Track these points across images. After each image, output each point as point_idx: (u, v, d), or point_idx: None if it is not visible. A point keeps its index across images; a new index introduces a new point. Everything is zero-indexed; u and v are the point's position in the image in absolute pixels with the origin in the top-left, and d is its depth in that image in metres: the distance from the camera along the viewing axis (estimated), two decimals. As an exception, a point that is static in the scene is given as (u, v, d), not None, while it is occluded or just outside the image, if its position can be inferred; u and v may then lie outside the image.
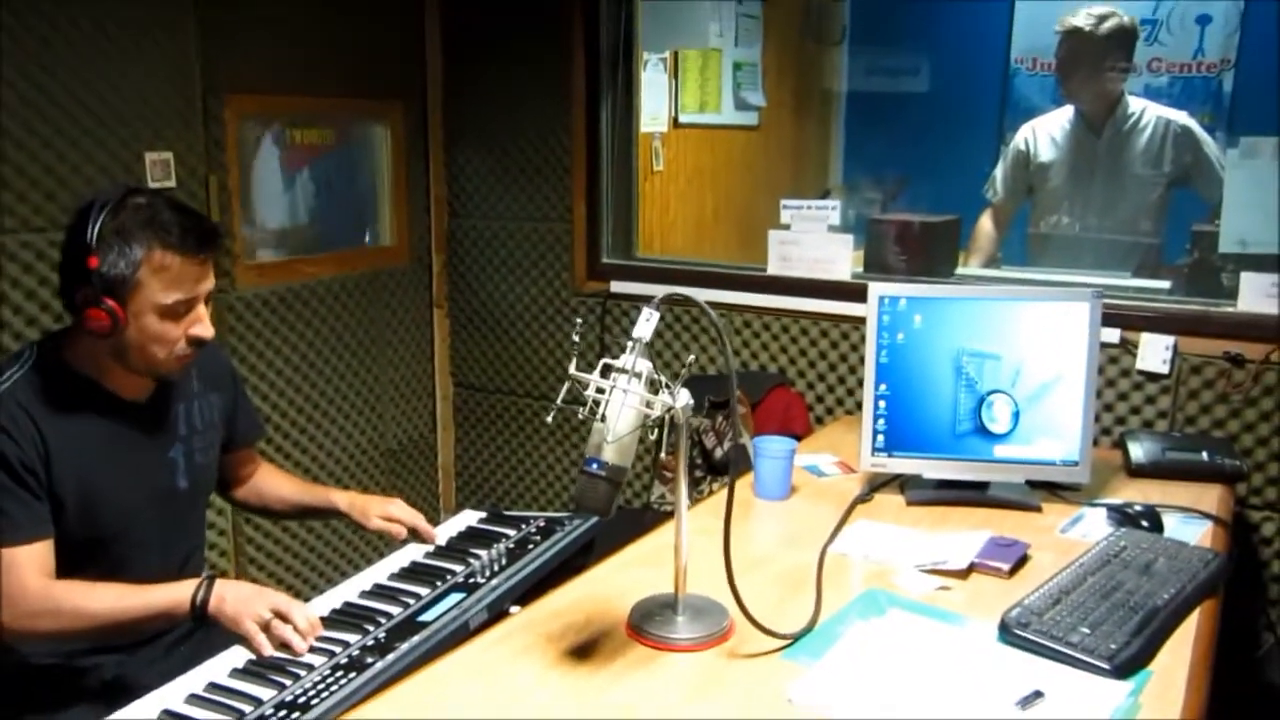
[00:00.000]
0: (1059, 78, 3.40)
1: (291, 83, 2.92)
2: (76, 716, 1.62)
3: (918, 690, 1.35)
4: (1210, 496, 2.06)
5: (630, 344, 1.38)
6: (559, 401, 1.38)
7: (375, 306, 3.26)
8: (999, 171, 3.39)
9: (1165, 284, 2.76)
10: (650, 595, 1.57)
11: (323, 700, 1.37)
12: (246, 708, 1.37)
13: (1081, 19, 3.18)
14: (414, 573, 1.80)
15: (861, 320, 2.10)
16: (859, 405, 2.66)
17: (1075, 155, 3.26)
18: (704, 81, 3.93)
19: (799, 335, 2.94)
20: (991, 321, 2.00)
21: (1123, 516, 1.90)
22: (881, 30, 4.65)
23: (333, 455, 3.16)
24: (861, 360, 2.46)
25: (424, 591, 1.71)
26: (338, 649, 1.51)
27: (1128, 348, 2.53)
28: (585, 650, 1.46)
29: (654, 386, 1.39)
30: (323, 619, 1.58)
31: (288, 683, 1.42)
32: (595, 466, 1.35)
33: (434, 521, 1.95)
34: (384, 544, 2.13)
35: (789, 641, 1.46)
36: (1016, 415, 2.01)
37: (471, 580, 1.74)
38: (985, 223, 3.38)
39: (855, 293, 2.60)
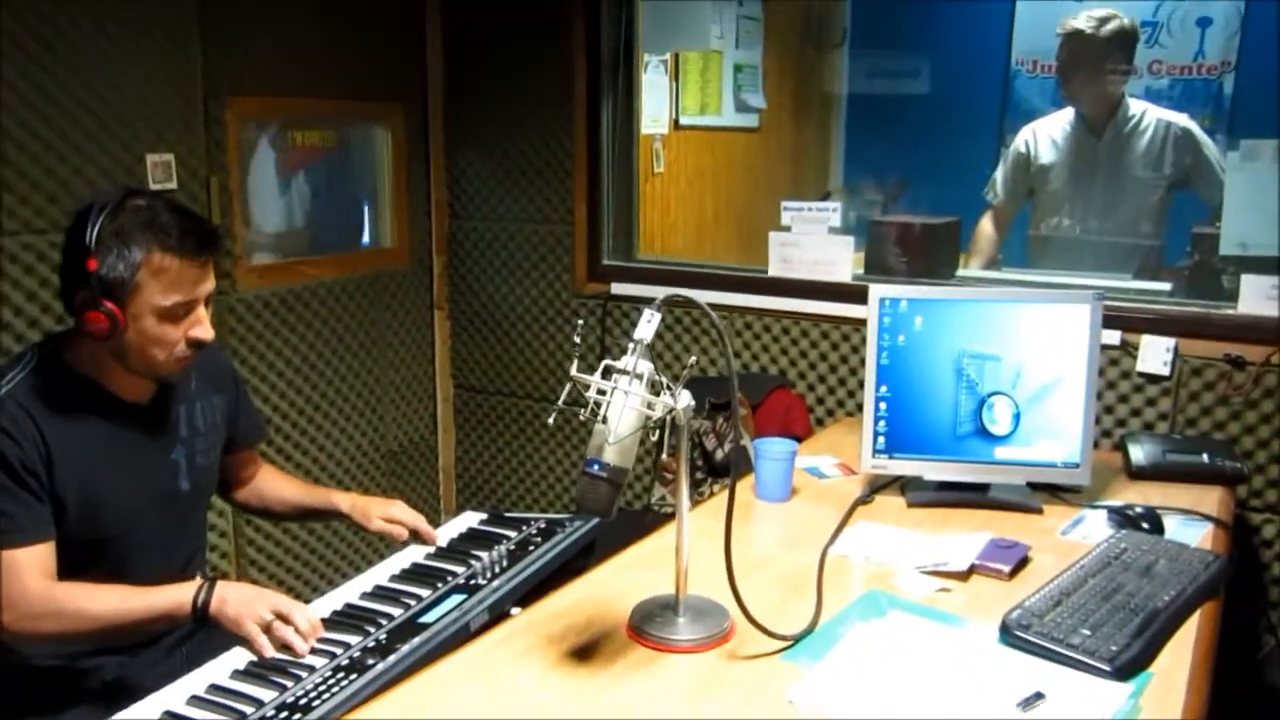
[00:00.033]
0: (1060, 80, 3.41)
1: (293, 85, 2.92)
2: (78, 718, 1.62)
3: (919, 692, 1.35)
4: (1211, 499, 2.06)
5: (632, 345, 1.38)
6: (560, 403, 1.38)
7: (376, 308, 3.26)
8: (999, 174, 3.39)
9: (1166, 286, 2.76)
10: (651, 596, 1.57)
11: (324, 701, 1.37)
12: (248, 709, 1.37)
13: (1083, 21, 3.18)
14: (415, 574, 1.80)
15: (862, 322, 2.10)
16: (859, 407, 2.66)
17: (1076, 157, 3.27)
18: (705, 84, 3.94)
19: (800, 337, 2.94)
20: (992, 323, 2.00)
21: (1123, 518, 1.90)
22: (882, 33, 4.66)
23: (333, 457, 3.16)
24: (862, 362, 2.46)
25: (425, 593, 1.71)
26: (339, 650, 1.51)
27: (1128, 350, 2.53)
28: (586, 651, 1.46)
29: (655, 388, 1.39)
30: (324, 620, 1.58)
31: (289, 684, 1.43)
32: (596, 468, 1.35)
33: (434, 523, 1.95)
34: (385, 546, 2.13)
35: (790, 643, 1.46)
36: (1017, 417, 2.01)
37: (472, 582, 1.74)
38: (986, 225, 3.38)
39: (856, 294, 2.60)
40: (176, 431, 1.74)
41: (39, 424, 1.55)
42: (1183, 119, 3.15)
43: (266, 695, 1.40)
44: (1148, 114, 3.15)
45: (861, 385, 2.28)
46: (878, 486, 2.11)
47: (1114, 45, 3.15)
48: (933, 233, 2.99)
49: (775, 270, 2.98)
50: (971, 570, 1.70)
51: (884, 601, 1.60)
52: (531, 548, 1.88)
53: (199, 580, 1.59)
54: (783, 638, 1.46)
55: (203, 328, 1.61)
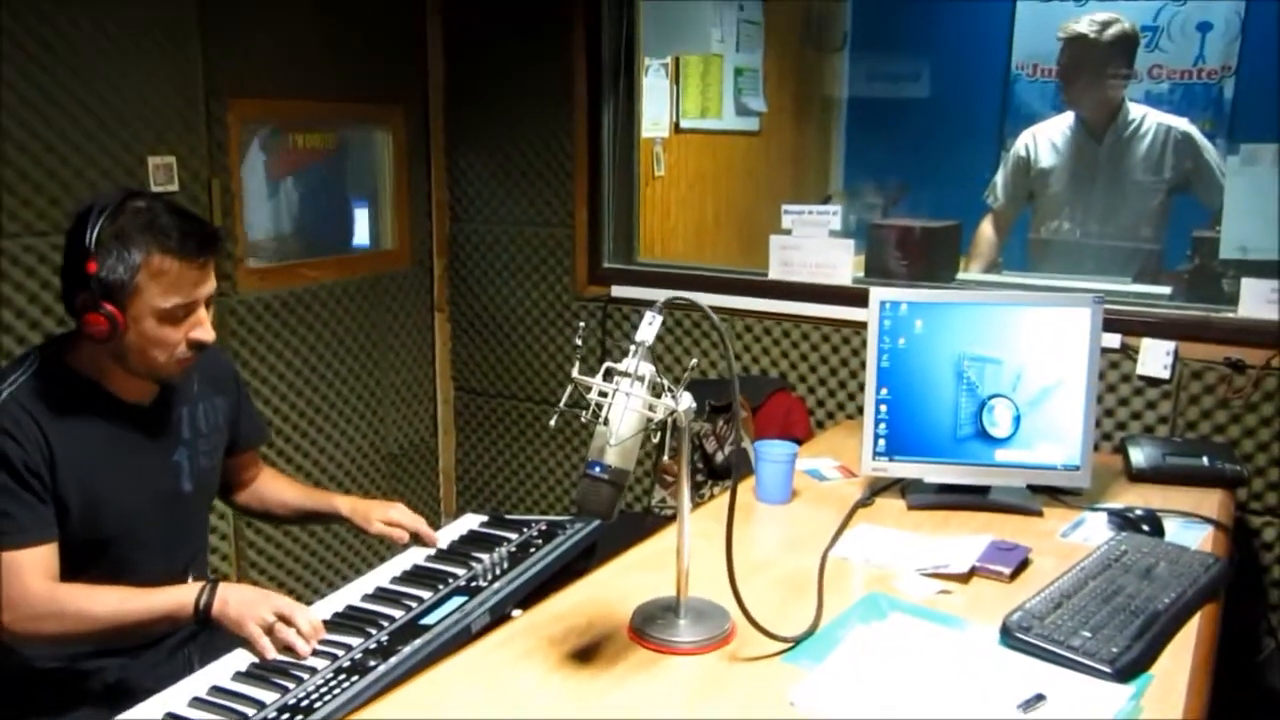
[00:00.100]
0: (1061, 84, 3.41)
1: (294, 86, 2.93)
2: None
3: (919, 693, 1.35)
4: (1211, 501, 2.06)
5: (633, 347, 1.38)
6: (562, 404, 1.38)
7: (376, 311, 3.26)
8: (999, 177, 3.39)
9: (1166, 290, 2.76)
10: (652, 599, 1.57)
11: (325, 703, 1.37)
12: (249, 710, 1.37)
13: (1085, 25, 3.19)
14: (416, 576, 1.80)
15: (862, 325, 2.11)
16: (860, 410, 2.67)
17: (1076, 161, 3.27)
18: (705, 87, 3.95)
19: (800, 340, 2.94)
20: (992, 326, 2.01)
21: (1124, 521, 1.90)
22: (882, 36, 4.67)
23: (334, 459, 3.16)
24: (862, 365, 2.47)
25: (426, 595, 1.71)
26: (340, 652, 1.51)
27: (1129, 353, 2.53)
28: (587, 653, 1.46)
29: (656, 390, 1.39)
30: (325, 622, 1.58)
31: (290, 686, 1.43)
32: (598, 469, 1.35)
33: (435, 526, 1.95)
34: (386, 548, 2.13)
35: (791, 645, 1.47)
36: (1017, 420, 2.01)
37: (473, 584, 1.75)
38: (986, 228, 3.38)
39: (856, 297, 2.60)
40: (179, 433, 1.74)
41: (42, 426, 1.55)
42: (1183, 123, 3.15)
43: (268, 697, 1.40)
44: (1148, 118, 3.15)
45: (861, 388, 2.28)
46: (878, 489, 2.12)
47: (1115, 50, 3.16)
48: (933, 236, 2.99)
49: (776, 273, 2.98)
50: (972, 572, 1.70)
51: (885, 604, 1.60)
52: (532, 550, 1.89)
53: (201, 582, 1.59)
54: (784, 640, 1.46)
55: (203, 329, 1.61)
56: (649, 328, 1.40)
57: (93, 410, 1.62)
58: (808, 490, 2.14)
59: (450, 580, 1.76)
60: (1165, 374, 2.49)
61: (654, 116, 3.60)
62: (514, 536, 1.96)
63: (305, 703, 1.37)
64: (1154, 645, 1.45)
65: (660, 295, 1.44)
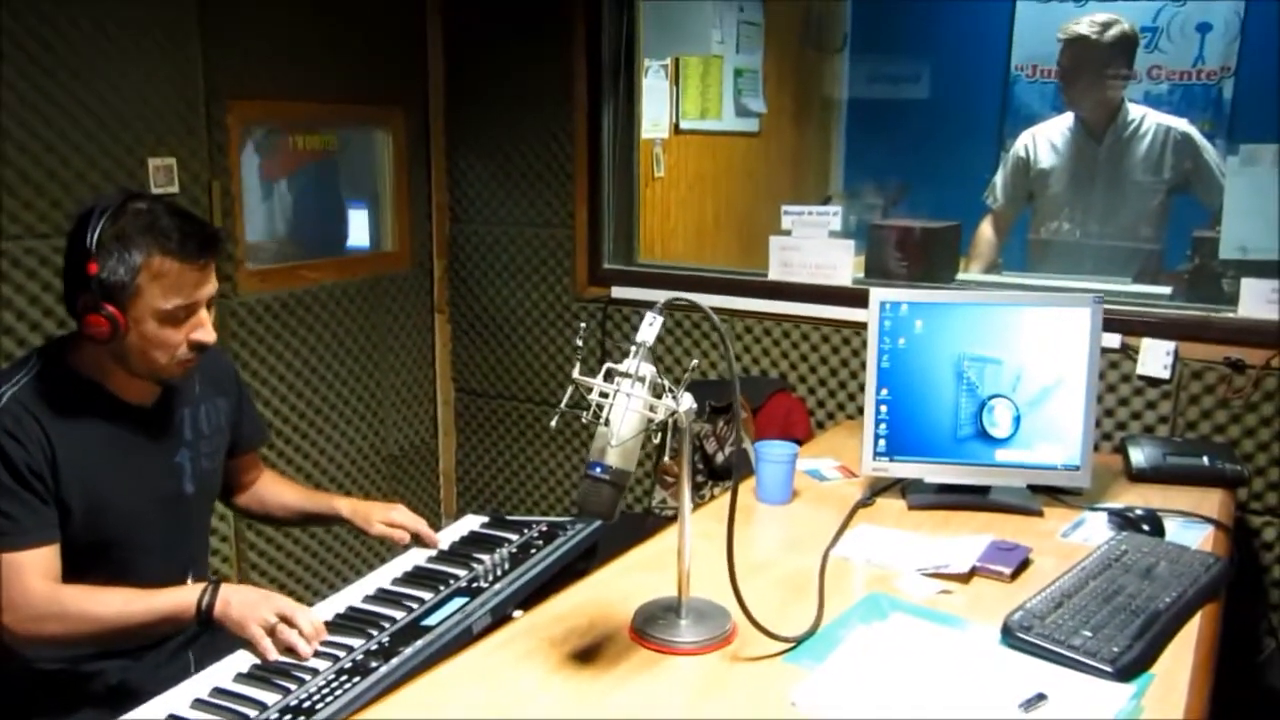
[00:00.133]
0: (1061, 84, 3.42)
1: (294, 88, 2.93)
2: (81, 721, 1.62)
3: (920, 693, 1.35)
4: (1211, 501, 2.06)
5: (634, 348, 1.38)
6: (563, 405, 1.39)
7: (377, 312, 3.26)
8: (999, 178, 3.40)
9: (1166, 290, 2.77)
10: (653, 599, 1.57)
11: (327, 704, 1.37)
12: (251, 712, 1.37)
13: (1085, 26, 3.19)
14: (417, 577, 1.80)
15: (862, 325, 2.11)
16: (860, 410, 2.67)
17: (1075, 162, 3.27)
18: (705, 88, 3.95)
19: (800, 340, 2.94)
20: (992, 327, 2.01)
21: (1124, 521, 1.90)
22: (882, 37, 4.67)
23: (334, 461, 3.16)
24: (862, 365, 2.47)
25: (427, 596, 1.71)
26: (342, 653, 1.51)
27: (1129, 353, 2.53)
28: (588, 654, 1.46)
29: (657, 391, 1.39)
30: (327, 623, 1.58)
31: (292, 687, 1.43)
32: (599, 470, 1.35)
33: (435, 527, 1.95)
34: (387, 549, 2.13)
35: (792, 645, 1.47)
36: (1018, 420, 2.01)
37: (474, 585, 1.75)
38: (986, 229, 3.39)
39: (856, 298, 2.60)
40: (181, 434, 1.75)
41: (44, 427, 1.55)
42: (1182, 124, 3.16)
43: (270, 698, 1.40)
44: (1147, 119, 3.16)
45: (862, 388, 2.29)
46: (878, 489, 2.12)
47: (1115, 50, 3.16)
48: (933, 237, 3.00)
49: (776, 274, 2.98)
50: (972, 572, 1.70)
51: (885, 604, 1.60)
52: (533, 551, 1.89)
53: (203, 583, 1.59)
54: (785, 640, 1.46)
55: (204, 330, 1.62)
56: (649, 329, 1.40)
57: (94, 411, 1.62)
58: (808, 490, 2.14)
59: (451, 581, 1.76)
60: (1165, 374, 2.49)
61: (654, 117, 3.60)
62: (515, 537, 1.96)
63: (307, 704, 1.37)
64: (1155, 645, 1.45)
65: (660, 296, 1.44)
